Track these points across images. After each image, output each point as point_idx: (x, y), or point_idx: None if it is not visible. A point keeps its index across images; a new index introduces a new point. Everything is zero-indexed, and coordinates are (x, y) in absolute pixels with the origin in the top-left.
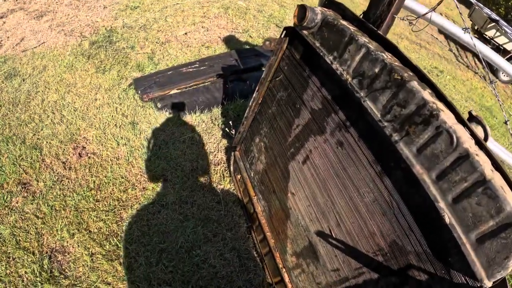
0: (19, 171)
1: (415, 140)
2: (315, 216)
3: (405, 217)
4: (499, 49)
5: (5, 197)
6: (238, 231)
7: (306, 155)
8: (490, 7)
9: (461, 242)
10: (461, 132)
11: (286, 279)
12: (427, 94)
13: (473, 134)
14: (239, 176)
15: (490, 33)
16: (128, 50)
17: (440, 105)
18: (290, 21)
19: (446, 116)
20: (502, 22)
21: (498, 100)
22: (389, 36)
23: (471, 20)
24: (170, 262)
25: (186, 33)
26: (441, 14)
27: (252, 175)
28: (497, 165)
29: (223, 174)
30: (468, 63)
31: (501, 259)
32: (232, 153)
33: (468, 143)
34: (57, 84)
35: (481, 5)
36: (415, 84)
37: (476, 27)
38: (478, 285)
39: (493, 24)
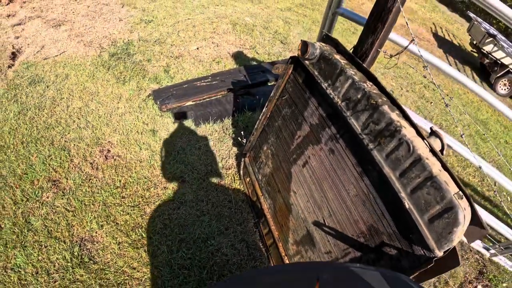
0: (49, 170)
1: (385, 148)
2: (312, 209)
3: (379, 206)
4: (497, 63)
5: (36, 192)
6: (247, 226)
7: (305, 160)
8: (491, 21)
9: (418, 223)
10: (417, 143)
11: None
12: (394, 115)
13: (428, 144)
14: (248, 179)
15: (488, 48)
16: (145, 63)
17: (404, 123)
18: (294, 38)
19: (407, 131)
20: (499, 37)
21: (449, 111)
22: (390, 48)
23: (469, 35)
24: (189, 250)
25: (198, 48)
26: (441, 28)
27: (260, 177)
28: (445, 166)
29: (233, 177)
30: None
31: (446, 233)
32: (242, 159)
33: (421, 150)
34: (81, 92)
35: (480, 20)
36: (385, 107)
37: (474, 42)
38: (432, 255)
39: (491, 39)
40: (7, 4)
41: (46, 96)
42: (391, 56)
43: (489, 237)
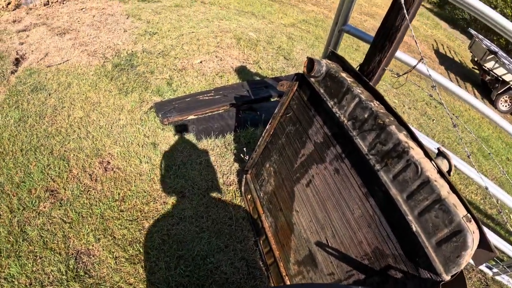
0: (47, 179)
1: (392, 169)
2: (315, 229)
3: (385, 228)
4: (498, 80)
5: (33, 202)
6: (247, 244)
7: (309, 179)
8: (492, 38)
9: (425, 246)
10: (425, 164)
11: None
12: (402, 136)
13: (436, 165)
14: (249, 196)
15: (489, 65)
16: (148, 75)
17: (412, 143)
18: (297, 54)
19: (415, 152)
20: (500, 53)
21: (453, 123)
22: (396, 66)
23: (471, 52)
24: (187, 267)
25: (201, 62)
26: (442, 45)
27: (261, 195)
28: (453, 188)
29: (234, 194)
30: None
31: (454, 257)
32: (244, 176)
33: (430, 172)
34: (82, 101)
35: (481, 37)
36: (393, 128)
37: (475, 59)
38: (439, 279)
39: (492, 55)
40: (13, 10)
41: (48, 104)
42: (398, 75)
43: None
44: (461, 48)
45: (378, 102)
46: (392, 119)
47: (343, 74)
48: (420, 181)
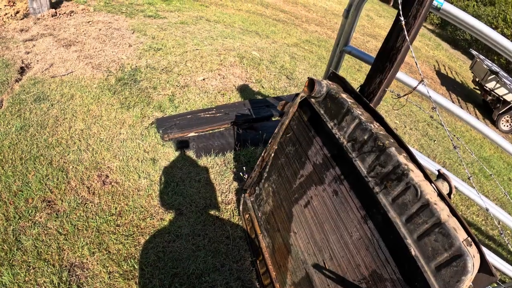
0: (44, 189)
1: (391, 192)
2: (313, 251)
3: (383, 251)
4: (499, 100)
5: (29, 211)
6: (244, 264)
7: (307, 200)
8: (492, 58)
9: (424, 270)
10: (425, 187)
11: None
12: (402, 158)
13: (436, 188)
14: (247, 215)
15: (490, 85)
16: (151, 90)
17: (411, 166)
18: (299, 73)
19: (414, 175)
20: (502, 73)
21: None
22: (396, 87)
23: (472, 73)
24: (182, 285)
25: (204, 79)
26: (444, 66)
27: (259, 215)
28: (453, 211)
29: (232, 213)
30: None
31: (454, 282)
32: (243, 195)
33: (430, 195)
34: (84, 114)
35: (482, 57)
36: (393, 149)
37: (477, 79)
38: None
39: (493, 76)
40: (21, 19)
41: (50, 115)
42: (398, 96)
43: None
44: (463, 68)
45: (378, 124)
46: (392, 141)
47: (344, 95)
48: (419, 204)
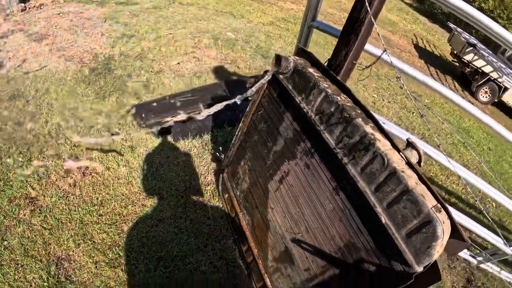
0: (26, 187)
1: (359, 162)
2: (289, 225)
3: (356, 221)
4: (478, 72)
5: (13, 210)
6: (226, 243)
7: (281, 175)
8: (470, 31)
9: (395, 238)
10: (392, 155)
11: (268, 283)
12: (368, 128)
13: (404, 156)
14: (226, 195)
15: (468, 57)
16: (125, 78)
17: (378, 135)
18: (276, 52)
19: (381, 144)
20: (479, 45)
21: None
22: (366, 60)
23: (450, 45)
24: (167, 268)
25: (179, 63)
26: (422, 39)
27: (238, 193)
28: (422, 178)
29: (212, 193)
30: (447, 86)
31: (425, 248)
32: (221, 175)
33: (397, 163)
34: (60, 107)
35: (460, 30)
36: (359, 120)
37: (455, 52)
38: (412, 271)
39: (471, 48)
40: None
41: (26, 111)
42: (366, 67)
43: (475, 245)
44: (441, 42)
45: (345, 96)
46: (359, 111)
47: (311, 70)
48: (387, 172)
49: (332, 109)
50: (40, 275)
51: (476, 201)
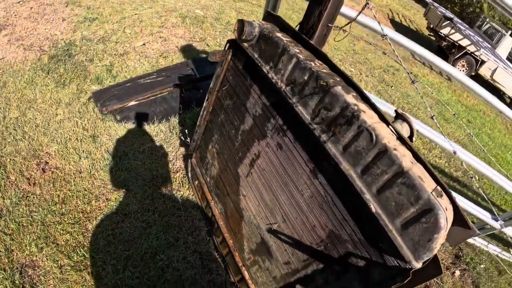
0: None
1: (341, 139)
2: (264, 215)
3: (339, 209)
4: (454, 46)
5: None
6: (199, 235)
7: (252, 158)
8: (445, 6)
9: (388, 229)
10: (380, 130)
11: (247, 277)
12: (350, 97)
13: (394, 131)
14: (196, 182)
15: (445, 31)
16: (87, 63)
17: (363, 106)
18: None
19: (367, 116)
20: (456, 19)
21: (422, 98)
22: (346, 39)
23: (426, 19)
24: (136, 268)
25: (144, 44)
26: (398, 14)
27: (208, 180)
28: (417, 157)
29: (182, 181)
30: (423, 60)
31: (425, 241)
32: (189, 161)
33: (387, 139)
34: (18, 100)
35: (436, 4)
36: (338, 88)
37: (431, 26)
38: (408, 266)
39: (448, 22)
40: None
41: None
42: (342, 27)
43: None
44: (417, 16)
45: (320, 62)
46: (338, 79)
47: (279, 34)
48: (376, 150)
49: (306, 77)
50: (4, 286)
51: (471, 178)
